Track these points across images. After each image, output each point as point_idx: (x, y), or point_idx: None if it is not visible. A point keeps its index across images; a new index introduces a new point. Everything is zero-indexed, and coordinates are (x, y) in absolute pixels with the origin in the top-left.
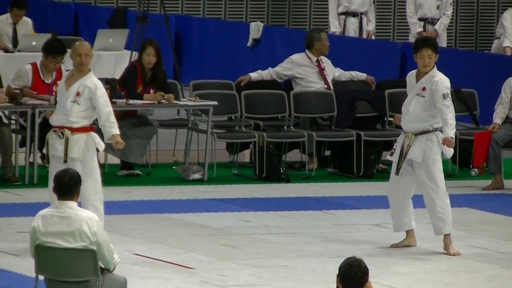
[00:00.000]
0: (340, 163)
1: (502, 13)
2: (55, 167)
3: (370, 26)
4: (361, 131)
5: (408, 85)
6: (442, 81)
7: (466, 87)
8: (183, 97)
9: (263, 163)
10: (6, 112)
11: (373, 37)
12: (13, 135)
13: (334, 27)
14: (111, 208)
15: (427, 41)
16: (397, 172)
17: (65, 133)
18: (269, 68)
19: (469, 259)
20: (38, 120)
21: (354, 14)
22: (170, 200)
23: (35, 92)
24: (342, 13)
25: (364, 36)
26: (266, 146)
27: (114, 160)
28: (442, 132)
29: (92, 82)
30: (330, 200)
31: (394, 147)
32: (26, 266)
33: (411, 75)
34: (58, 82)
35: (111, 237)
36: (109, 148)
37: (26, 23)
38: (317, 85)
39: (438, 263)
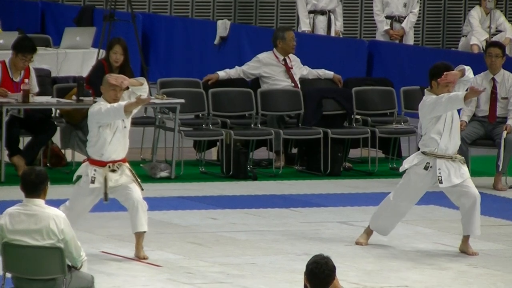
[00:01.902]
0: (307, 161)
1: (469, 10)
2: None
3: (337, 24)
4: (328, 129)
5: None
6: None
7: None
8: (151, 95)
9: (230, 161)
10: None
11: (341, 36)
12: None
13: (305, 25)
14: None
15: None
16: None
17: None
18: (236, 66)
19: (437, 256)
20: (5, 118)
21: (322, 12)
22: None
23: (8, 92)
24: (310, 11)
25: (333, 35)
26: (233, 144)
27: (81, 157)
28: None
29: None
30: (297, 198)
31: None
32: None
33: None
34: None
35: (78, 235)
36: (76, 146)
37: None
38: (284, 84)
39: (405, 261)
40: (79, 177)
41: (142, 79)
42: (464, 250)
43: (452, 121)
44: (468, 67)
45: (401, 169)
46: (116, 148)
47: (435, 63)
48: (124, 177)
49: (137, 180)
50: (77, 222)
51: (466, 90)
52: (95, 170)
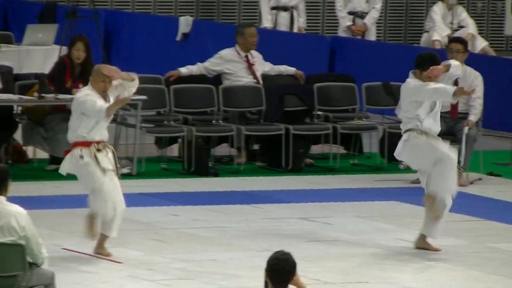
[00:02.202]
0: (268, 157)
1: (431, 6)
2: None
3: (300, 20)
4: (290, 125)
5: None
6: None
7: (395, 80)
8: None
9: (191, 157)
10: None
11: (303, 32)
12: None
13: (267, 21)
14: (40, 202)
15: None
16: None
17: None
18: (198, 63)
19: (397, 252)
20: None
21: (284, 8)
22: None
23: None
24: (273, 8)
25: (295, 31)
26: (195, 140)
27: (43, 154)
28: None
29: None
30: (258, 194)
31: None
32: None
33: None
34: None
35: (40, 231)
36: (37, 143)
37: None
38: (246, 80)
39: (366, 257)
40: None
41: (134, 75)
42: (425, 247)
43: (435, 107)
44: (457, 63)
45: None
46: (100, 131)
47: (420, 53)
48: (108, 161)
49: (116, 166)
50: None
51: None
52: (80, 150)
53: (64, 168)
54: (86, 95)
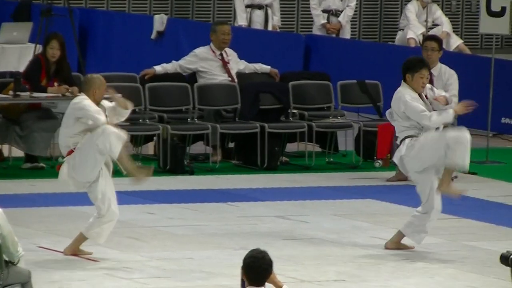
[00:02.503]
0: (244, 155)
1: (406, 4)
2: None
3: (274, 19)
4: (265, 123)
5: None
6: None
7: (370, 78)
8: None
9: (167, 156)
10: None
11: (278, 30)
12: None
13: (241, 20)
14: (15, 201)
15: None
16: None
17: None
18: (173, 61)
19: (373, 250)
20: None
21: (259, 7)
22: (75, 193)
23: None
24: (247, 6)
25: (270, 29)
26: (170, 139)
27: (18, 153)
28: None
29: None
30: (234, 192)
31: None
32: None
33: None
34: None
35: (15, 230)
36: (13, 141)
37: None
38: (221, 78)
39: (343, 255)
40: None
41: (130, 105)
42: (399, 247)
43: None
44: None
45: (396, 160)
46: None
47: (409, 58)
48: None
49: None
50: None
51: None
52: None
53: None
54: (83, 102)
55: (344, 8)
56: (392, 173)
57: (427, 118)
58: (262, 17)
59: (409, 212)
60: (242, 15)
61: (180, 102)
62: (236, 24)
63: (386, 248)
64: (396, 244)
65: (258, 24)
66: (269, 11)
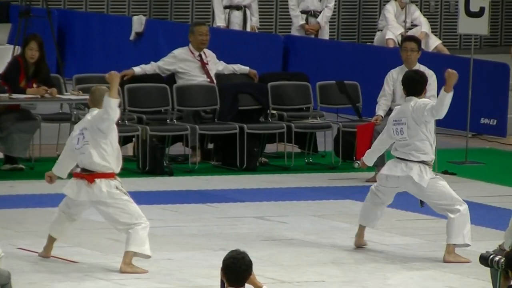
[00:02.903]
0: (223, 156)
1: (385, 5)
2: None
3: (253, 19)
4: (244, 124)
5: None
6: None
7: (349, 79)
8: (66, 91)
9: (146, 157)
10: None
11: (256, 31)
12: None
13: (220, 20)
14: None
15: None
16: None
17: None
18: (152, 62)
19: (353, 251)
20: None
21: (237, 7)
22: (54, 194)
23: None
24: (226, 7)
25: (248, 30)
26: (149, 140)
27: None
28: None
29: None
30: (213, 193)
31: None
32: None
33: None
34: None
35: None
36: None
37: None
38: (200, 79)
39: (322, 256)
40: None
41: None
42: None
43: None
44: None
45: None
46: None
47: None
48: None
49: None
50: None
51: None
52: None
53: (80, 195)
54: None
55: (322, 9)
56: (371, 174)
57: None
58: (240, 18)
59: (389, 213)
60: (221, 16)
61: (159, 103)
62: (214, 25)
63: (445, 262)
64: (455, 256)
65: (236, 25)
66: (248, 12)
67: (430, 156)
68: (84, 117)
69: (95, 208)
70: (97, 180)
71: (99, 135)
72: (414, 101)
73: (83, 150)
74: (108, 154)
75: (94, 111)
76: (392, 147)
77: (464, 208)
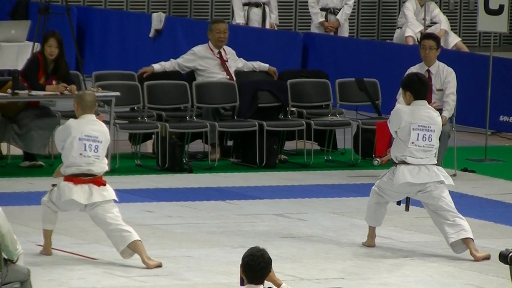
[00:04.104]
0: (242, 153)
1: (404, 2)
2: None
3: (272, 17)
4: (264, 121)
5: None
6: None
7: (368, 76)
8: (86, 88)
9: (165, 154)
10: None
11: (276, 28)
12: None
13: (239, 18)
14: (14, 199)
15: None
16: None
17: None
18: (171, 59)
19: (373, 248)
20: None
21: (256, 5)
22: None
23: None
24: (245, 4)
25: (267, 27)
26: (169, 137)
27: (16, 151)
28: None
29: None
30: (232, 190)
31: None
32: None
33: None
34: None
35: (14, 228)
36: (11, 139)
37: None
38: (219, 76)
39: (341, 253)
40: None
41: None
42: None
43: None
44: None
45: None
46: None
47: (409, 75)
48: None
49: None
50: None
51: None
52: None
53: (92, 197)
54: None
55: (342, 6)
56: None
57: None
58: (259, 15)
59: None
60: (240, 13)
61: (178, 100)
62: (234, 22)
63: (476, 260)
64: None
65: (255, 22)
66: (267, 9)
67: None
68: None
69: (94, 210)
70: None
71: (107, 146)
72: (433, 110)
73: (94, 160)
74: None
75: (98, 124)
76: (406, 151)
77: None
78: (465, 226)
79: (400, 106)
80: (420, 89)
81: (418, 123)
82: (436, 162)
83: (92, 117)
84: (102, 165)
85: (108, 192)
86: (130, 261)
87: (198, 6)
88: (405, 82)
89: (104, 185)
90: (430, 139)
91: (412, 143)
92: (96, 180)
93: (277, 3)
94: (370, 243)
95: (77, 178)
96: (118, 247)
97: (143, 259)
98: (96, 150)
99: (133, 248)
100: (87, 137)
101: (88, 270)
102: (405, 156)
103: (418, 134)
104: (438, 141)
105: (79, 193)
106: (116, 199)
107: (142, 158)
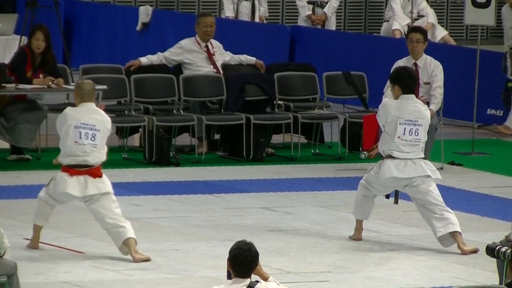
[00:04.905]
0: (229, 147)
1: None
2: None
3: (261, 9)
4: (251, 115)
5: None
6: None
7: (355, 70)
8: (73, 82)
9: (152, 147)
10: None
11: (265, 21)
12: None
13: (229, 11)
14: (1, 193)
15: None
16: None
17: None
18: (158, 52)
19: (359, 242)
20: None
21: None
22: None
23: None
24: None
25: (257, 20)
26: (156, 130)
27: (4, 144)
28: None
29: None
30: (220, 183)
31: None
32: None
33: None
34: None
35: (1, 221)
36: None
37: None
38: (206, 70)
39: (328, 246)
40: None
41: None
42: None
43: None
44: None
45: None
46: None
47: (398, 69)
48: None
49: None
50: None
51: None
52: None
53: (87, 190)
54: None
55: (329, 0)
56: None
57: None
58: (249, 8)
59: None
60: (229, 6)
61: (165, 93)
62: (223, 16)
63: (464, 254)
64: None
65: (245, 15)
66: (256, 2)
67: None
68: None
69: (93, 205)
70: (103, 173)
71: (105, 138)
72: (421, 104)
73: (91, 149)
74: None
75: (96, 113)
76: (393, 146)
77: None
78: (453, 220)
79: (388, 100)
80: (408, 82)
81: (405, 118)
82: (423, 156)
83: (91, 105)
84: (98, 155)
85: (104, 184)
86: (118, 254)
87: (185, 0)
88: (393, 75)
89: (100, 176)
90: (417, 133)
91: (399, 137)
92: (92, 171)
93: None
94: (357, 237)
95: (73, 169)
96: (116, 244)
97: (131, 253)
98: (93, 139)
99: (126, 244)
100: (83, 124)
101: (75, 264)
102: (392, 150)
103: (404, 128)
104: (426, 135)
105: (74, 185)
106: (112, 191)
107: (129, 151)
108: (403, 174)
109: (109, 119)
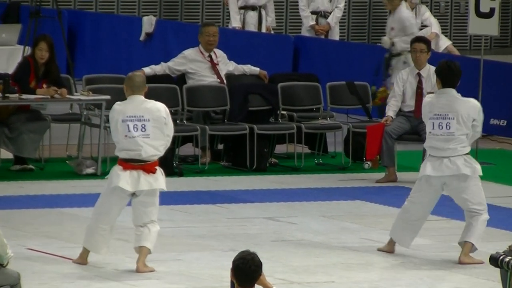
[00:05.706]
0: (233, 157)
1: None
2: None
3: (268, 20)
4: (254, 125)
5: None
6: None
7: (359, 80)
8: (76, 92)
9: None
10: None
11: (272, 32)
12: None
13: (235, 21)
14: (4, 203)
15: None
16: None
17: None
18: (162, 63)
19: (363, 252)
20: None
21: (252, 8)
22: (64, 195)
23: None
24: (241, 7)
25: (264, 30)
26: None
27: (7, 155)
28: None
29: None
30: (223, 194)
31: None
32: None
33: None
34: None
35: (4, 232)
36: (2, 143)
37: None
38: (210, 80)
39: (332, 257)
40: None
41: None
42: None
43: None
44: None
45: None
46: None
47: (440, 62)
48: None
49: None
50: None
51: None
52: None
53: (139, 185)
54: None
55: (332, 10)
56: (381, 175)
57: None
58: (255, 18)
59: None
60: (236, 16)
61: (169, 103)
62: (230, 26)
63: (460, 263)
64: (470, 258)
65: (252, 26)
66: (263, 12)
67: (469, 148)
68: (124, 106)
69: (135, 200)
70: (158, 169)
71: (162, 127)
72: (458, 96)
73: (143, 140)
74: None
75: (147, 102)
76: (428, 142)
77: (487, 217)
78: (471, 228)
79: (426, 97)
80: (447, 76)
81: (434, 112)
82: (466, 152)
83: (140, 97)
84: (151, 149)
85: (157, 181)
86: (121, 264)
87: (189, 9)
88: (436, 68)
89: (154, 172)
90: (448, 126)
91: (430, 132)
92: (146, 166)
93: (273, 6)
94: (388, 249)
95: (127, 163)
96: (134, 243)
97: (137, 261)
98: (143, 129)
99: (138, 251)
100: (130, 117)
101: (79, 274)
102: (428, 147)
103: (433, 123)
104: (465, 128)
105: (127, 179)
106: (165, 188)
107: None
108: (437, 173)
109: (160, 107)
